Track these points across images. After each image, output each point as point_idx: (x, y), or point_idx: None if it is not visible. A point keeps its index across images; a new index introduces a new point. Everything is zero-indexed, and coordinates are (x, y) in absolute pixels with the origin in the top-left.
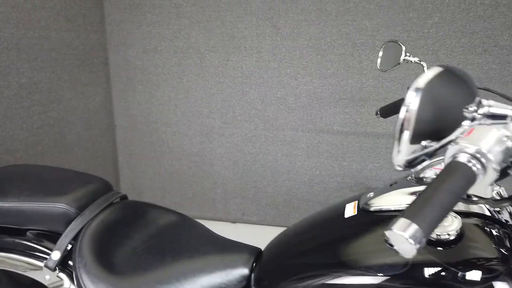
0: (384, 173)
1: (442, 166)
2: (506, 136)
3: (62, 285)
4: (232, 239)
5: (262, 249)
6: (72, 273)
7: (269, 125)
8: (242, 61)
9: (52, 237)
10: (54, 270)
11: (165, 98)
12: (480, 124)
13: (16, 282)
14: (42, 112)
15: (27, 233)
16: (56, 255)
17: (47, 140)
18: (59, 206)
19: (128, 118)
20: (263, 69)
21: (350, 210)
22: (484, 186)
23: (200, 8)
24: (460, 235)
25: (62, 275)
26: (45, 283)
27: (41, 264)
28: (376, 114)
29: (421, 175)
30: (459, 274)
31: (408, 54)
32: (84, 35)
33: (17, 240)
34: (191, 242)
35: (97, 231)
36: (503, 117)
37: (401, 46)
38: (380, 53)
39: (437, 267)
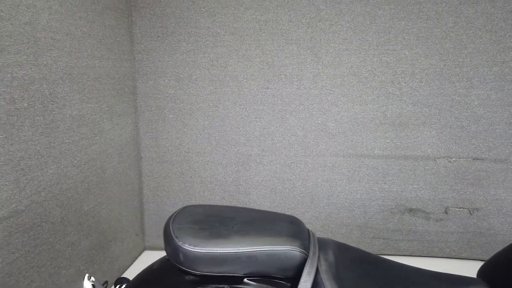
0: (423, 194)
1: None
2: None
3: None
4: None
5: None
6: None
7: (309, 151)
8: (282, 89)
9: (272, 282)
10: None
11: (198, 127)
12: None
13: None
14: (88, 146)
15: (245, 280)
16: None
17: (92, 176)
18: (295, 249)
19: (156, 148)
20: (304, 96)
21: None
22: None
23: (239, 37)
24: None
25: None
26: None
27: None
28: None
29: None
30: None
31: None
32: (119, 63)
33: None
34: None
35: (329, 271)
36: None
37: None
38: None
39: None
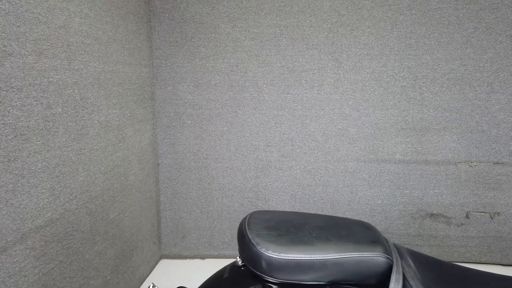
0: (444, 199)
1: None
2: None
3: None
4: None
5: None
6: None
7: (330, 156)
8: (302, 94)
9: None
10: None
11: (217, 132)
12: None
13: None
14: (113, 152)
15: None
16: None
17: (116, 184)
18: (381, 255)
19: (173, 155)
20: (325, 101)
21: None
22: None
23: (260, 43)
24: None
25: None
26: None
27: None
28: None
29: None
30: None
31: None
32: (139, 69)
33: None
34: None
35: (415, 277)
36: None
37: None
38: None
39: None
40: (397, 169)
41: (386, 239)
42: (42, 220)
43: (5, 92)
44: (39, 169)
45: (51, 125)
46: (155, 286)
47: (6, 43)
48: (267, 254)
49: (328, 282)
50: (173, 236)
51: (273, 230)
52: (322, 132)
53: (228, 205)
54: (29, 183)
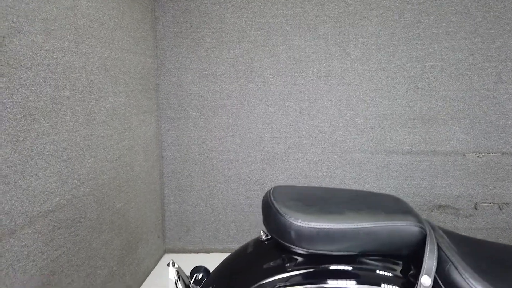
0: (452, 190)
1: None
2: None
3: None
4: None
5: None
6: None
7: (337, 148)
8: (309, 85)
9: (388, 261)
10: None
11: (222, 124)
12: None
13: None
14: (119, 141)
15: (359, 259)
16: (426, 280)
17: (122, 173)
18: (415, 224)
19: (178, 147)
20: (332, 92)
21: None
22: None
23: (266, 33)
24: None
25: None
26: None
27: None
28: None
29: None
30: None
31: None
32: (144, 59)
33: (361, 269)
34: None
35: (450, 247)
36: None
37: None
38: None
39: None
40: (404, 160)
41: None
42: (50, 205)
43: (14, 69)
44: (47, 151)
45: (59, 107)
46: (175, 263)
47: (15, 19)
48: (296, 223)
49: (359, 252)
50: (178, 229)
51: (300, 201)
52: (329, 123)
53: (234, 198)
54: (37, 165)
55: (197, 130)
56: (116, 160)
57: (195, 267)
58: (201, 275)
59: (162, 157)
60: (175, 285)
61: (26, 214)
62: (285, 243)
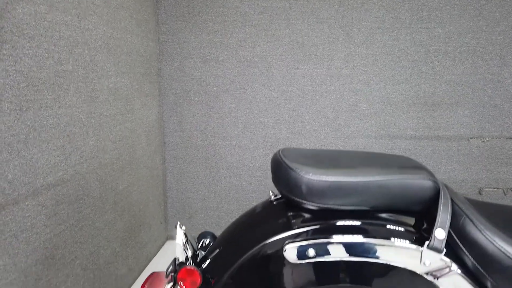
0: (456, 175)
1: None
2: None
3: (445, 268)
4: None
5: None
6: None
7: (340, 133)
8: (312, 69)
9: (401, 217)
10: (441, 251)
11: (225, 110)
12: None
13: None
14: (122, 122)
15: (371, 214)
16: (440, 233)
17: (125, 155)
18: (429, 178)
19: (180, 133)
20: (335, 76)
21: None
22: None
23: (269, 17)
24: None
25: (444, 257)
26: (420, 270)
27: (415, 247)
28: None
29: None
30: None
31: None
32: (146, 42)
33: (372, 224)
34: None
35: (465, 202)
36: None
37: None
38: None
39: None
40: (408, 145)
41: None
42: (53, 178)
43: (17, 37)
44: (50, 124)
45: (62, 81)
46: (182, 225)
47: None
48: (307, 177)
49: (371, 208)
50: (180, 216)
51: (311, 159)
52: (332, 108)
53: (236, 185)
54: (40, 137)
55: (199, 115)
56: (118, 141)
57: (201, 232)
58: (208, 240)
59: (164, 143)
60: (183, 249)
61: (29, 186)
62: (295, 199)
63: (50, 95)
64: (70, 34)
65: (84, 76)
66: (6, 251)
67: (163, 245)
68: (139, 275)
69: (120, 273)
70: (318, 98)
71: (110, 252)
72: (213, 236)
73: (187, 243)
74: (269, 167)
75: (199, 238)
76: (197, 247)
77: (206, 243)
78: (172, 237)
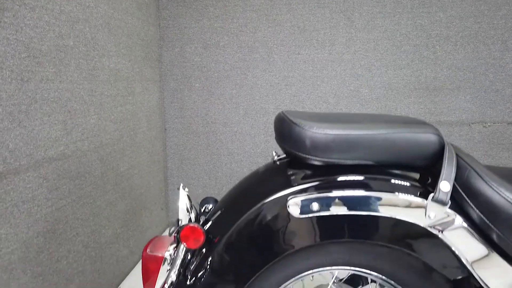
0: None
1: None
2: None
3: (450, 221)
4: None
5: None
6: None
7: None
8: (313, 54)
9: (406, 172)
10: (446, 204)
11: (226, 96)
12: None
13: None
14: (123, 103)
15: (376, 169)
16: (445, 186)
17: (126, 137)
18: (435, 133)
19: (181, 119)
20: (336, 62)
21: None
22: None
23: (270, 2)
24: None
25: (449, 210)
26: (424, 223)
27: (420, 201)
28: None
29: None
30: None
31: None
32: (147, 27)
33: (376, 178)
34: None
35: (470, 156)
36: None
37: None
38: None
39: None
40: None
41: None
42: (54, 152)
43: (18, 6)
44: (52, 98)
45: (63, 56)
46: (185, 187)
47: None
48: (311, 131)
49: (376, 162)
50: None
51: (315, 117)
52: (334, 93)
53: (237, 171)
54: (42, 109)
55: (200, 102)
56: (119, 122)
57: (204, 198)
58: (210, 205)
59: (165, 129)
60: (186, 212)
61: (30, 157)
62: (299, 154)
63: (51, 69)
64: (71, 9)
65: (85, 53)
66: (8, 220)
67: (164, 231)
68: (139, 259)
69: (121, 255)
70: (319, 83)
71: (111, 233)
72: (215, 201)
73: (190, 207)
74: (270, 154)
75: (202, 204)
76: (200, 211)
77: (209, 208)
78: (173, 224)
